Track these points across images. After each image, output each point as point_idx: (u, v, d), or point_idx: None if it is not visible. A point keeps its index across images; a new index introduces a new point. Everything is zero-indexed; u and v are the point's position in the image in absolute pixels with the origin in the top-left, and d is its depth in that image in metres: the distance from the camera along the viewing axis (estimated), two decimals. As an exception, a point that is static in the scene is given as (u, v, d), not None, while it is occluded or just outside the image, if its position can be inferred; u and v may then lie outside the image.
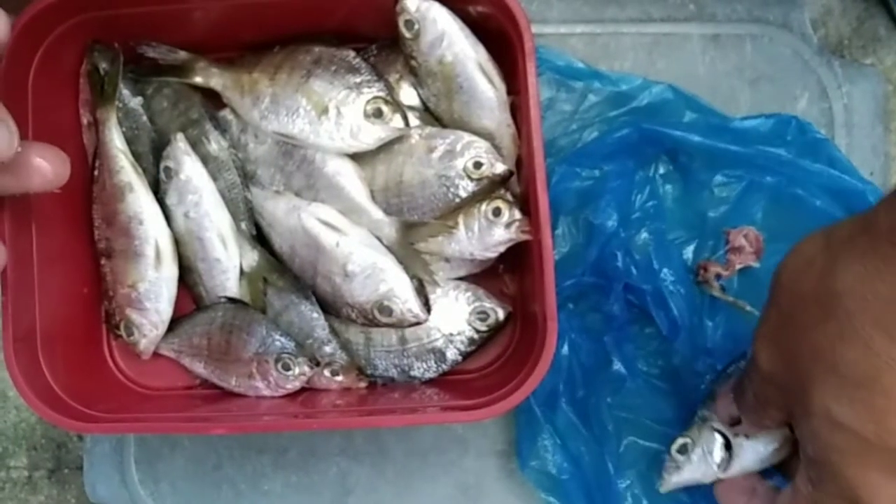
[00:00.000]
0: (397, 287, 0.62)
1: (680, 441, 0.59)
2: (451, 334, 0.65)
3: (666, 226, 0.66)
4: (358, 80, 0.61)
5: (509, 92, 0.61)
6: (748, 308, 0.65)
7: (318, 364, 0.63)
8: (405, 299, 0.62)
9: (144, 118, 0.66)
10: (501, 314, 0.64)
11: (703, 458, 0.59)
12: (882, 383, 0.40)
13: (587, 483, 0.64)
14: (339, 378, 0.64)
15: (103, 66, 0.63)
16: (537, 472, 0.65)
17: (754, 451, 0.57)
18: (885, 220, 0.40)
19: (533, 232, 0.58)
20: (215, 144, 0.65)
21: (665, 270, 0.64)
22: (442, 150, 0.61)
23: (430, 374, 0.65)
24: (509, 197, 0.62)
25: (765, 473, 0.58)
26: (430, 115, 0.64)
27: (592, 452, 0.64)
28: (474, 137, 0.61)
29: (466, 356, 0.65)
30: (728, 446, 0.58)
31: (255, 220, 0.66)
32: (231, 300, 0.65)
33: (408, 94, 0.64)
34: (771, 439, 0.56)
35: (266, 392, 0.64)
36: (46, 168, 0.47)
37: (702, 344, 0.64)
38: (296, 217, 0.63)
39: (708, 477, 0.59)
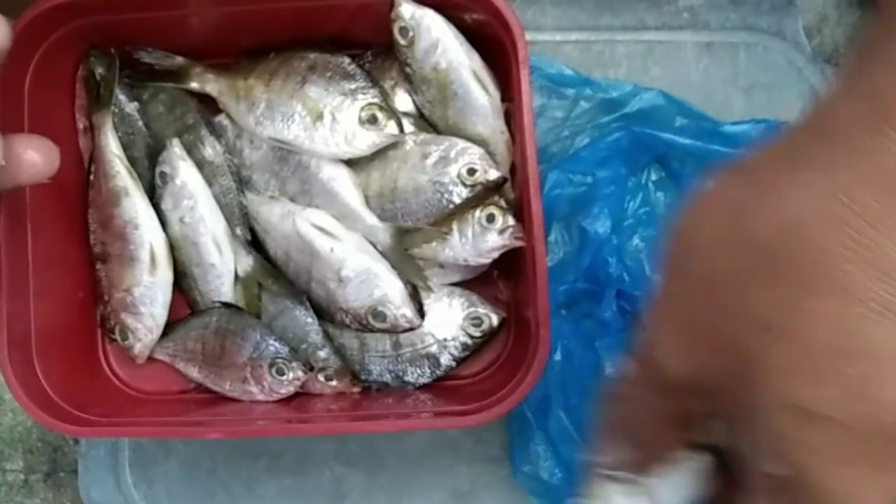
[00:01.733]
0: (391, 292, 0.62)
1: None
2: (445, 340, 0.65)
3: (658, 232, 0.66)
4: (353, 86, 0.62)
5: (503, 99, 0.61)
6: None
7: (312, 369, 0.64)
8: (399, 305, 0.62)
9: (140, 123, 0.66)
10: (495, 320, 0.65)
11: None
12: (870, 341, 0.29)
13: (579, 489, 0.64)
14: (333, 383, 0.64)
15: (99, 71, 0.64)
16: (529, 478, 0.65)
17: (672, 493, 0.40)
18: (854, 108, 0.30)
19: (526, 238, 0.58)
20: (211, 150, 0.65)
21: (657, 277, 0.64)
22: (436, 157, 0.61)
23: (423, 380, 0.65)
24: (503, 203, 0.62)
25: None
26: (425, 122, 0.64)
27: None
28: (468, 144, 0.61)
29: (460, 362, 0.65)
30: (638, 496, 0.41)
31: (250, 226, 0.66)
32: (226, 305, 0.65)
33: (402, 101, 0.64)
34: (686, 469, 0.40)
35: (260, 397, 0.64)
36: (36, 159, 0.45)
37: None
38: (290, 222, 0.63)
39: None
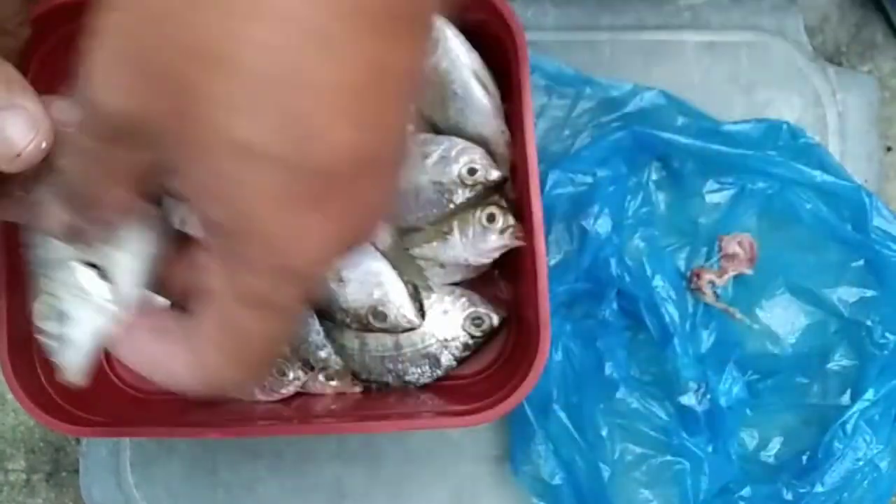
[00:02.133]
0: (392, 292, 0.62)
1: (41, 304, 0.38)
2: (446, 339, 0.65)
3: (659, 232, 0.66)
4: (353, 86, 0.62)
5: (504, 98, 0.61)
6: (739, 315, 0.65)
7: (312, 369, 0.64)
8: (400, 304, 0.62)
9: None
10: (496, 319, 0.65)
11: (69, 301, 0.37)
12: (310, 71, 0.27)
13: (580, 489, 0.64)
14: (334, 383, 0.65)
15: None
16: (530, 478, 0.65)
17: (128, 261, 0.36)
18: None
19: (526, 238, 0.58)
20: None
21: (658, 277, 0.64)
22: (436, 157, 0.61)
23: (424, 380, 0.65)
24: (503, 203, 0.62)
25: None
26: (425, 122, 0.64)
27: (585, 458, 0.64)
28: (469, 144, 0.61)
29: (461, 361, 0.65)
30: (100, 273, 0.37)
31: (251, 225, 0.66)
32: (226, 305, 0.65)
33: (403, 101, 0.64)
34: (140, 233, 0.36)
35: (261, 397, 0.64)
36: None
37: (694, 351, 0.64)
38: (291, 222, 0.63)
39: (94, 327, 0.37)
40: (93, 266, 0.36)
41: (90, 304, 0.36)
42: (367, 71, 0.28)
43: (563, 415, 0.65)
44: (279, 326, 0.32)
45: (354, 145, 0.29)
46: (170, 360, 0.34)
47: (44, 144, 0.37)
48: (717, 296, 0.66)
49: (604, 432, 0.65)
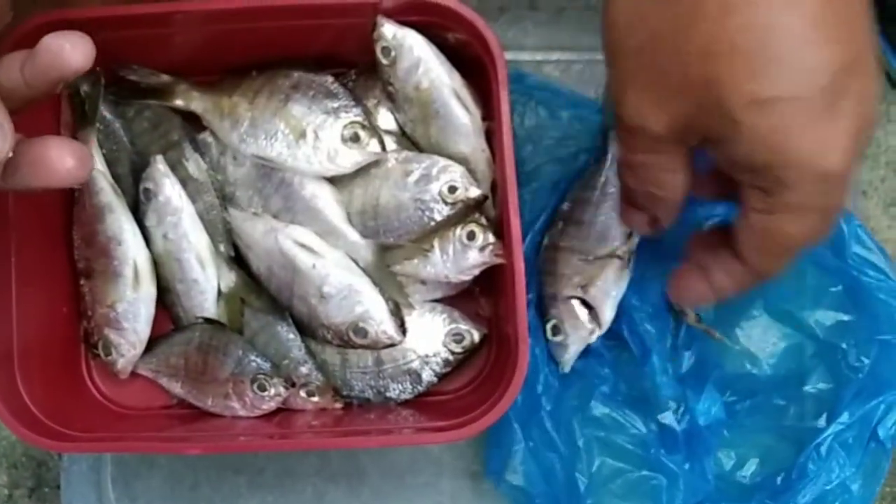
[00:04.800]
0: (373, 309, 0.63)
1: (549, 325, 0.64)
2: (427, 356, 0.65)
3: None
4: (336, 104, 0.62)
5: (484, 117, 0.62)
6: (718, 335, 0.65)
7: (293, 385, 0.64)
8: (380, 321, 0.63)
9: (125, 140, 0.66)
10: (476, 336, 0.65)
11: (576, 328, 0.63)
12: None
13: (559, 501, 0.64)
14: (315, 399, 0.65)
15: (84, 88, 0.64)
16: (511, 487, 0.65)
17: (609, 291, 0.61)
18: None
19: (505, 255, 0.59)
20: (194, 166, 0.65)
21: (640, 296, 0.64)
22: (418, 175, 0.62)
23: (405, 396, 0.66)
24: (483, 221, 0.62)
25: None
26: (407, 140, 0.65)
27: (565, 471, 0.65)
28: (449, 162, 0.62)
29: (442, 377, 0.66)
30: (588, 307, 0.63)
31: (234, 242, 0.66)
32: (208, 321, 0.66)
33: (385, 119, 0.65)
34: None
35: (242, 412, 0.64)
36: (69, 164, 0.44)
37: (675, 371, 0.64)
38: (273, 239, 0.64)
39: (591, 337, 0.64)
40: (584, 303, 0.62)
41: (580, 328, 0.63)
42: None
43: (543, 428, 0.65)
44: (823, 225, 0.42)
45: (836, 57, 0.38)
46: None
47: (10, 154, 0.41)
48: (699, 318, 0.66)
49: (583, 446, 0.65)
